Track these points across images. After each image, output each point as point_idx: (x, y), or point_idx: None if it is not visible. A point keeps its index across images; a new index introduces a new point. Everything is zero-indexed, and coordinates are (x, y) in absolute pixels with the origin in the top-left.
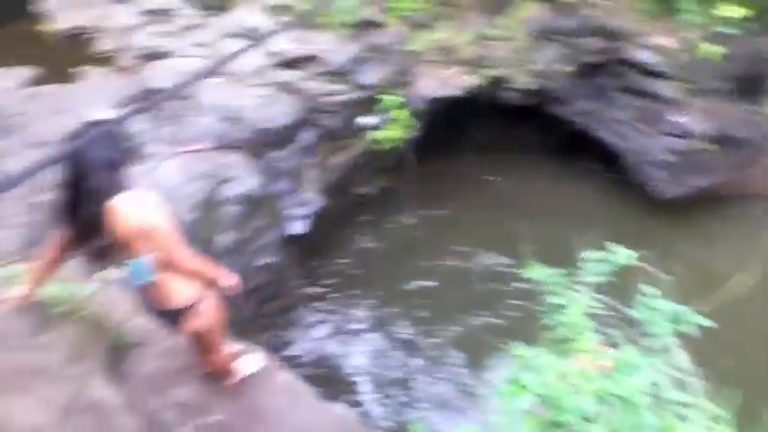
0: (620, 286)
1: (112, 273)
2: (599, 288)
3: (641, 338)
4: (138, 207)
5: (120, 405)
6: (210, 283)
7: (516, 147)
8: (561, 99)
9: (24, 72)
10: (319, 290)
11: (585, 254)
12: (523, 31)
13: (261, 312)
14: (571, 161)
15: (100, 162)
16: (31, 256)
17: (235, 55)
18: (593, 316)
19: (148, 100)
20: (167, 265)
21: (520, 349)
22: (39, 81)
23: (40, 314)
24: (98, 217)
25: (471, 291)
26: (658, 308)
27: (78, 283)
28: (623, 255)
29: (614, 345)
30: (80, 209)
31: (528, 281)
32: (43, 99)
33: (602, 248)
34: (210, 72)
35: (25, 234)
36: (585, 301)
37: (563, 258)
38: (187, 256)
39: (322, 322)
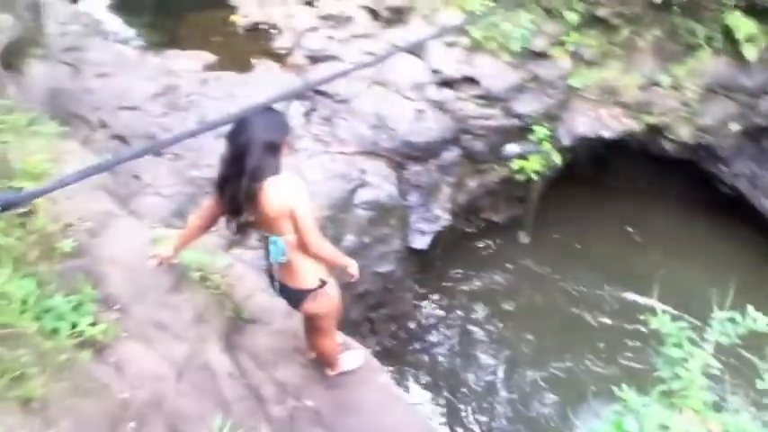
0: (750, 350)
1: (246, 251)
2: (725, 349)
3: (764, 408)
4: (287, 189)
5: (229, 372)
6: (335, 270)
7: (663, 197)
8: (722, 158)
9: (207, 56)
10: (429, 305)
11: (716, 312)
12: (696, 82)
13: (369, 317)
14: (720, 221)
15: (261, 143)
16: (179, 223)
17: (383, 58)
18: (712, 376)
19: (315, 101)
20: (302, 247)
21: (626, 393)
22: (217, 66)
23: (178, 276)
24: (250, 193)
25: (584, 330)
26: None
27: (215, 254)
28: (759, 320)
29: (729, 409)
30: (235, 183)
31: (647, 328)
32: (218, 83)
33: (736, 310)
34: (354, 71)
35: (177, 203)
36: (707, 358)
37: (691, 313)
38: (321, 242)
39: (426, 337)
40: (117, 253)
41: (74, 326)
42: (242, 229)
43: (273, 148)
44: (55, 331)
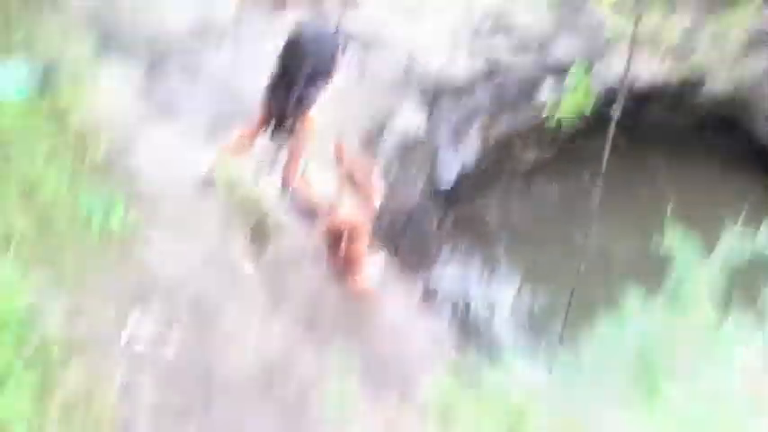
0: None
1: (277, 165)
2: (734, 266)
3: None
4: (328, 102)
5: (250, 274)
6: (362, 192)
7: (697, 149)
8: (761, 110)
9: None
10: (454, 244)
11: (729, 230)
12: (740, 32)
13: (394, 244)
14: (757, 176)
15: (309, 71)
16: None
17: None
18: (718, 289)
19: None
20: (336, 159)
21: (632, 296)
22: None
23: (207, 181)
24: (296, 116)
25: (603, 261)
26: None
27: (248, 165)
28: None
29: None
30: (282, 103)
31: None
32: (257, 20)
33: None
34: None
35: (212, 119)
36: (714, 272)
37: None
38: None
39: (445, 267)
40: (149, 155)
41: (103, 220)
42: (280, 135)
43: (321, 76)
44: (86, 221)
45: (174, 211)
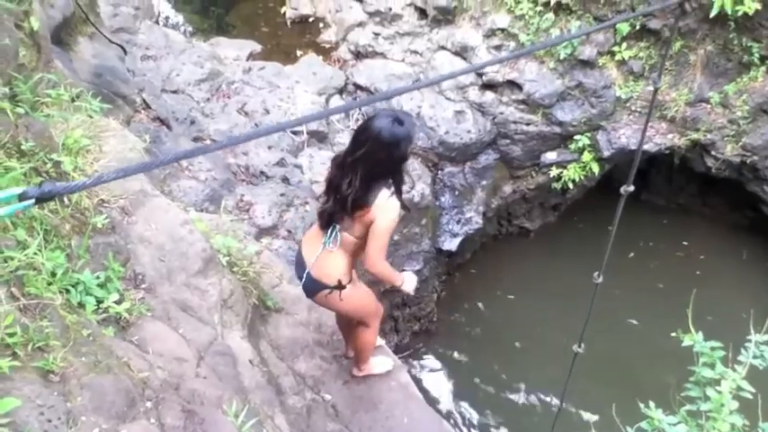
0: None
1: (274, 240)
2: (759, 373)
3: None
4: (382, 209)
5: (250, 360)
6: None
7: (702, 215)
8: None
9: (253, 45)
10: (452, 307)
11: (753, 335)
12: (746, 100)
13: (393, 315)
14: (762, 243)
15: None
16: (211, 207)
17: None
18: (743, 399)
19: (357, 97)
20: (355, 253)
21: (653, 411)
22: (262, 56)
23: (206, 259)
24: (355, 205)
25: (610, 342)
26: None
27: (244, 241)
28: None
29: None
30: (344, 191)
31: (678, 345)
32: (261, 73)
33: None
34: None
35: (212, 188)
36: (738, 381)
37: (725, 335)
38: (379, 261)
39: (443, 338)
40: (148, 232)
41: (99, 302)
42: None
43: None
44: (81, 305)
45: (173, 292)
